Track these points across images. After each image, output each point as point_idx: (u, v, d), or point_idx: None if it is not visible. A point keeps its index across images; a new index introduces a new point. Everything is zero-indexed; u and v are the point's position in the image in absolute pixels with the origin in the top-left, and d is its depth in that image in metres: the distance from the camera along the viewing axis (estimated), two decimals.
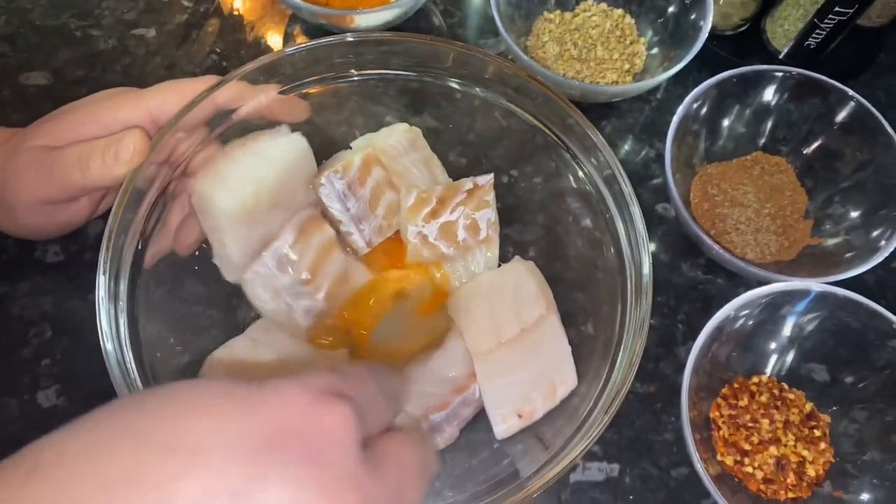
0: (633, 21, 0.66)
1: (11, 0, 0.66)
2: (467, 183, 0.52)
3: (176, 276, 0.50)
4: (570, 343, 0.52)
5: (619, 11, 0.66)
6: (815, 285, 0.49)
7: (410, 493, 0.30)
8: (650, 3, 0.65)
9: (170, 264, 0.49)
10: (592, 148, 0.49)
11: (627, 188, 0.47)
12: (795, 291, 0.49)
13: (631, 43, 0.65)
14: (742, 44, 0.66)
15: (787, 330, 0.52)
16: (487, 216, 0.52)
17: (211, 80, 0.47)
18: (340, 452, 0.27)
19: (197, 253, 0.50)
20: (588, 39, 0.64)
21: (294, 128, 0.53)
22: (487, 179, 0.53)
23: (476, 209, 0.52)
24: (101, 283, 0.42)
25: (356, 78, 0.53)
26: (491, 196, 0.53)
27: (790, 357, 0.53)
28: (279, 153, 0.49)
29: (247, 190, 0.47)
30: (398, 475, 0.29)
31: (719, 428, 0.51)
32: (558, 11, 0.66)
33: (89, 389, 0.51)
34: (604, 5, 0.66)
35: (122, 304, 0.45)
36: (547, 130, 0.52)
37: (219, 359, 0.47)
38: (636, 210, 0.47)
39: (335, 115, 0.57)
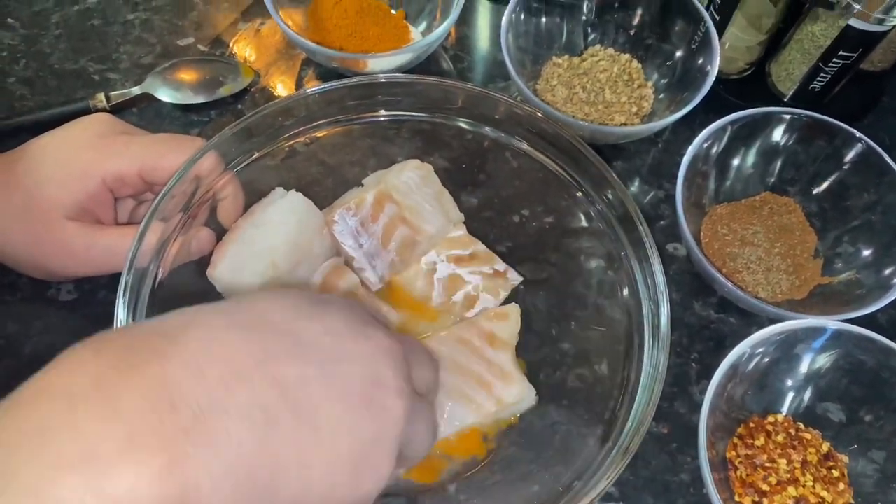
0: (640, 66, 0.67)
1: (32, 45, 0.68)
2: (500, 264, 0.53)
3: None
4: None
5: (626, 56, 0.67)
6: (831, 323, 0.49)
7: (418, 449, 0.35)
8: (657, 48, 0.66)
9: (184, 296, 0.49)
10: (605, 187, 0.50)
11: (643, 226, 0.48)
12: (810, 329, 0.49)
13: (638, 87, 0.66)
14: (747, 87, 0.67)
15: (801, 368, 0.52)
16: (487, 304, 0.53)
17: (196, 142, 0.50)
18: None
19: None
20: (596, 83, 0.66)
21: (302, 178, 0.55)
22: (516, 280, 0.53)
23: (486, 290, 0.53)
24: (120, 303, 0.42)
25: (369, 119, 0.54)
26: (504, 295, 0.53)
27: (805, 396, 0.53)
28: (281, 217, 0.50)
29: (262, 263, 0.49)
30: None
31: (736, 468, 0.50)
32: (566, 56, 0.68)
33: None
34: (611, 50, 0.68)
35: None
36: (559, 169, 0.52)
37: None
38: (652, 248, 0.47)
39: (348, 156, 0.58)
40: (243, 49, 0.70)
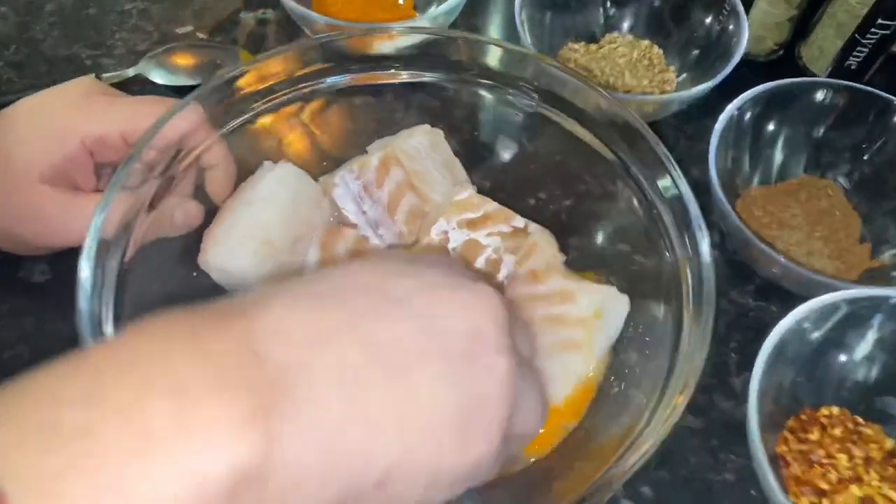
0: (660, 52, 0.63)
1: (24, 31, 0.65)
2: (519, 220, 0.48)
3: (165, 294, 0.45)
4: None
5: (646, 42, 0.64)
6: (894, 292, 0.43)
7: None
8: (679, 30, 0.63)
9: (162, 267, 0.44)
10: (642, 161, 0.44)
11: (692, 203, 0.41)
12: (867, 300, 0.44)
13: (660, 71, 0.62)
14: (777, 70, 0.63)
15: (857, 354, 0.46)
16: (512, 265, 0.47)
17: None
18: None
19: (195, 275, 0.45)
20: (616, 67, 0.62)
21: (303, 151, 0.51)
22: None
23: (508, 251, 0.47)
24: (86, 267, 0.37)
25: (374, 84, 0.50)
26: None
27: (862, 385, 0.46)
28: (271, 191, 0.46)
29: (256, 241, 0.44)
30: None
31: (789, 465, 0.44)
32: (583, 43, 0.64)
33: None
34: (630, 37, 0.64)
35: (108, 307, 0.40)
36: (588, 135, 0.47)
37: None
38: (701, 228, 0.41)
39: (351, 140, 0.53)
40: (244, 38, 0.67)
